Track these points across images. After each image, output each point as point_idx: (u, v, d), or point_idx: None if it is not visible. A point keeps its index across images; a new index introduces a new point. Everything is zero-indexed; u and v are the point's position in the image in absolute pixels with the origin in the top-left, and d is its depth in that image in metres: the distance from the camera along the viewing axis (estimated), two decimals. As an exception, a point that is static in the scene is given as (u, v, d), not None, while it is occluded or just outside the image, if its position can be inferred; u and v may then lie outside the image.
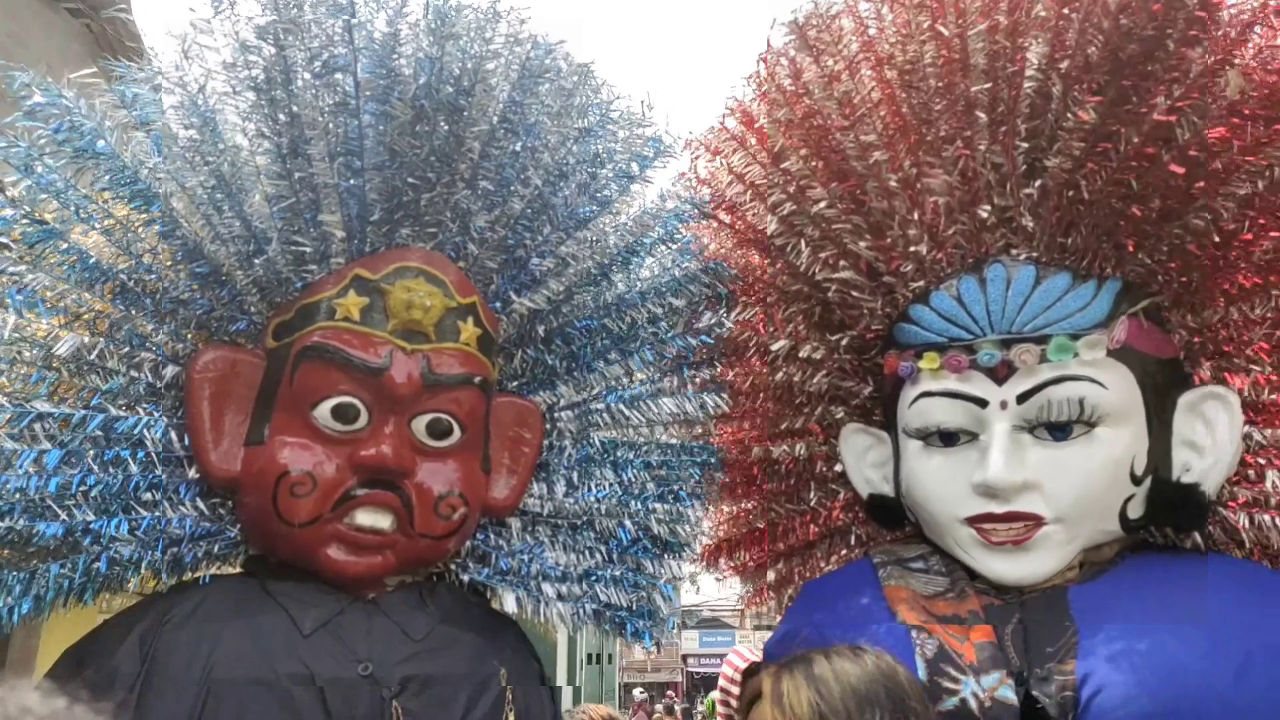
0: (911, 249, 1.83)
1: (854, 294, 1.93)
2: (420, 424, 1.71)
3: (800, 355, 2.04)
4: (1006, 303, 1.75)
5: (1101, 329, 1.71)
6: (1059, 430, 1.69)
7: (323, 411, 1.66)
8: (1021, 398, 1.70)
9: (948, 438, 1.79)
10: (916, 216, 1.82)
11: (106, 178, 1.64)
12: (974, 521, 1.72)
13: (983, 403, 1.73)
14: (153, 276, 1.69)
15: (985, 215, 1.79)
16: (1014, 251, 1.80)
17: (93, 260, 1.65)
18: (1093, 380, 1.68)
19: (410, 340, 1.71)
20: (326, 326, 1.69)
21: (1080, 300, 1.73)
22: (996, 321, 1.75)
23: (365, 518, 1.66)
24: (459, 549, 1.84)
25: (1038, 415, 1.69)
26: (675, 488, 2.00)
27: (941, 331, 1.81)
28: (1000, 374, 1.72)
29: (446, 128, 1.72)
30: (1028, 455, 1.70)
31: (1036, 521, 1.68)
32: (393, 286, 1.71)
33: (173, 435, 1.67)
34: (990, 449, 1.69)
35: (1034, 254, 1.78)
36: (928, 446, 1.82)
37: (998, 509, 1.70)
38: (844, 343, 2.00)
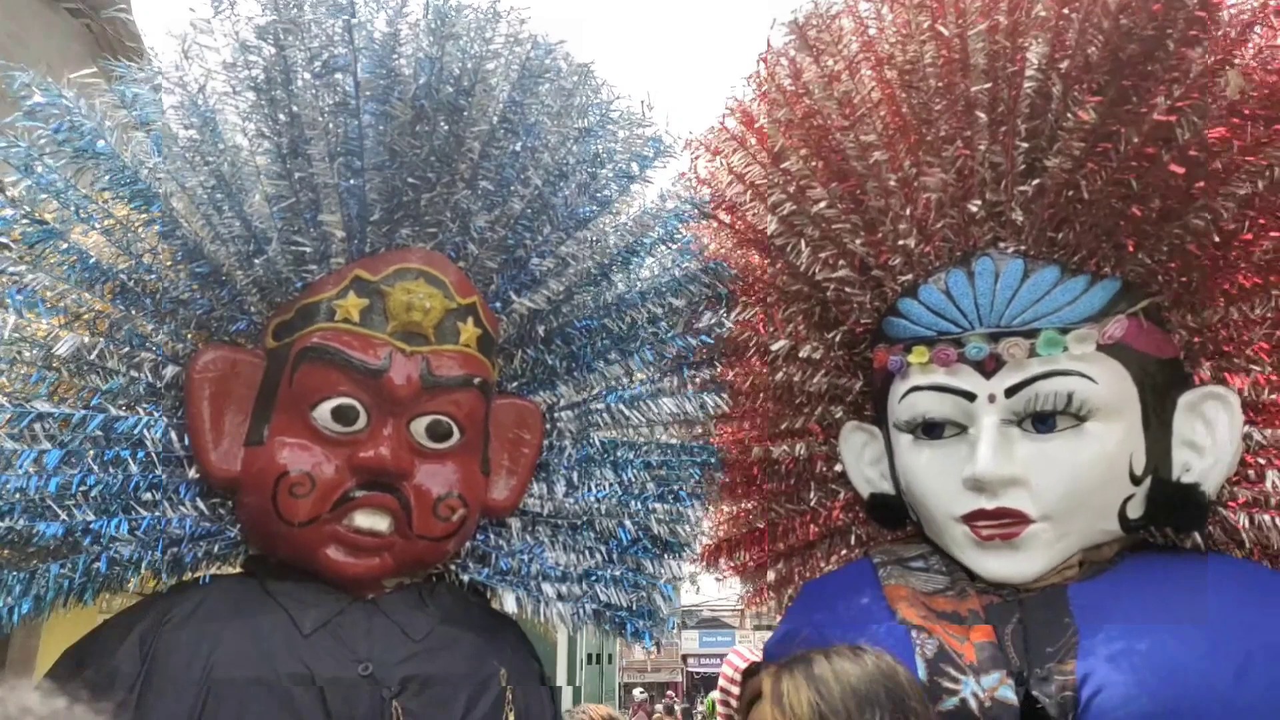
0: (900, 242, 1.83)
1: (846, 290, 1.93)
2: (420, 425, 1.71)
3: (800, 355, 2.04)
4: (995, 296, 1.75)
5: (1091, 323, 1.71)
6: (1041, 422, 1.69)
7: (322, 412, 1.66)
8: (1010, 391, 1.70)
9: (931, 429, 1.79)
10: (909, 212, 1.82)
11: (106, 178, 1.64)
12: (967, 519, 1.72)
13: (971, 396, 1.73)
14: (153, 276, 1.69)
15: (975, 209, 1.79)
16: (1002, 245, 1.79)
17: (93, 260, 1.65)
18: (1082, 375, 1.68)
19: (410, 342, 1.71)
20: (326, 328, 1.69)
21: (1069, 294, 1.73)
22: (985, 315, 1.75)
23: (364, 519, 1.66)
24: (458, 550, 1.84)
25: (1025, 408, 1.69)
26: (675, 488, 2.00)
27: (930, 325, 1.81)
28: (989, 367, 1.72)
29: (446, 128, 1.72)
30: (1016, 449, 1.69)
31: (1023, 519, 1.68)
32: (392, 288, 1.71)
33: (173, 435, 1.67)
34: (979, 443, 1.69)
35: (1022, 247, 1.78)
36: (917, 441, 1.82)
37: (988, 504, 1.69)
38: (837, 339, 2.00)
